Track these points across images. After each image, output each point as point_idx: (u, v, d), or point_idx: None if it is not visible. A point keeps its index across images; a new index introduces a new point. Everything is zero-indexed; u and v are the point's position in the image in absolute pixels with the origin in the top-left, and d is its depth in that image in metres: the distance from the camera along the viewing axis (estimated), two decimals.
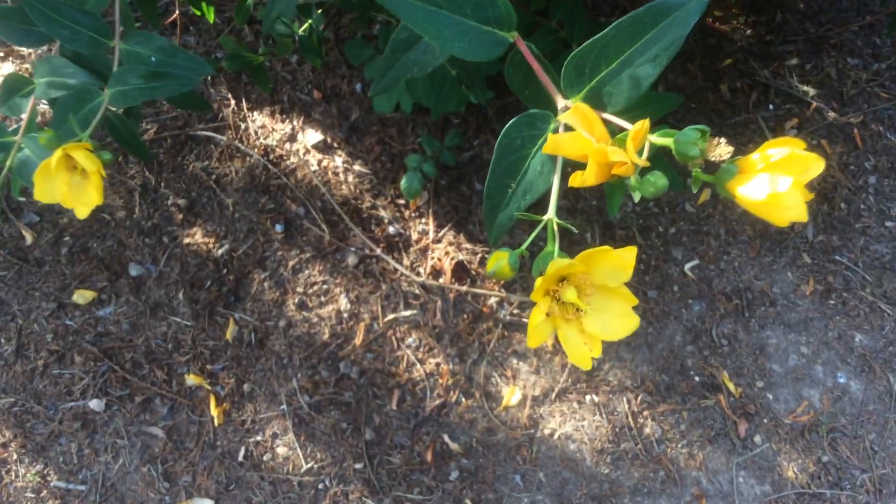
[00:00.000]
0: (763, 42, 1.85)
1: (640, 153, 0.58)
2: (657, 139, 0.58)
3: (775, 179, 0.55)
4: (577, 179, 0.57)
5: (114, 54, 0.91)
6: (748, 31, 1.86)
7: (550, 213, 0.63)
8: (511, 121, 0.63)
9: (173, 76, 0.90)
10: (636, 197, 0.58)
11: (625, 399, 1.59)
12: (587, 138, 0.56)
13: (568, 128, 0.60)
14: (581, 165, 0.57)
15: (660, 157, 1.29)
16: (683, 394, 1.59)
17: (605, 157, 0.56)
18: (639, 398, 1.58)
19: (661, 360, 1.61)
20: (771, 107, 1.79)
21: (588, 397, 1.59)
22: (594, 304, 0.61)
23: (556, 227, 0.63)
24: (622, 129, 0.61)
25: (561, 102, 0.63)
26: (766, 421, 1.58)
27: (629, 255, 0.58)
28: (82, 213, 0.79)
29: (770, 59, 1.83)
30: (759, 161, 0.57)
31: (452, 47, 0.63)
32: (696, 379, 1.60)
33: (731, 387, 1.59)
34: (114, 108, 1.05)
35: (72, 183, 0.79)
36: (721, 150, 0.57)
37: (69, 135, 0.83)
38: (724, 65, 1.82)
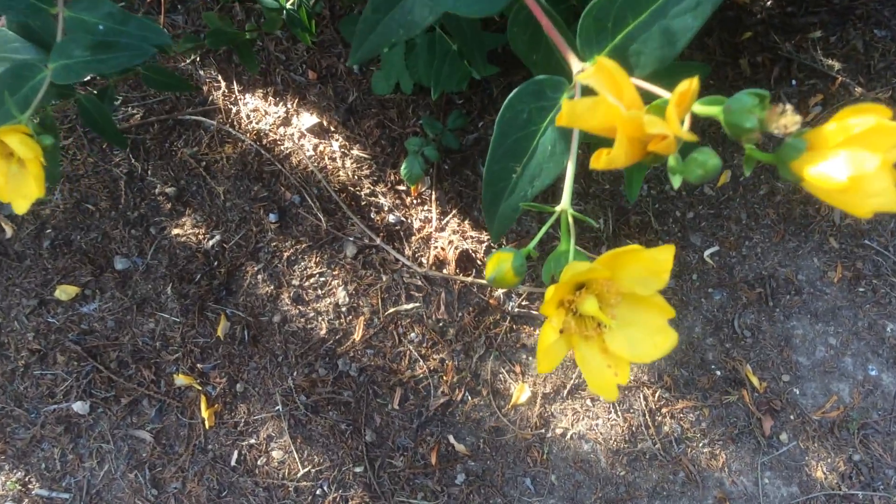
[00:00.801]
0: (785, 14, 1.74)
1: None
2: (701, 108, 0.48)
3: (858, 157, 0.43)
4: (601, 159, 0.46)
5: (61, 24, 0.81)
6: (769, 3, 1.75)
7: (564, 203, 0.53)
8: (515, 90, 0.53)
9: (124, 46, 0.80)
10: (676, 182, 0.48)
11: (641, 395, 1.49)
12: (614, 104, 0.44)
13: (587, 93, 0.50)
14: (604, 142, 0.46)
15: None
16: (704, 389, 1.49)
17: (638, 130, 0.44)
18: (656, 394, 1.49)
19: (679, 353, 1.51)
20: (794, 82, 1.69)
21: None
22: (620, 318, 0.51)
23: (571, 221, 0.53)
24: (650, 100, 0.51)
25: (577, 65, 0.53)
26: (792, 417, 1.48)
27: (665, 255, 0.48)
28: (21, 207, 0.69)
29: (792, 32, 1.73)
30: (836, 133, 0.45)
31: (445, 1, 0.53)
32: (718, 373, 1.50)
33: (755, 381, 1.49)
34: (61, 84, 0.96)
35: (8, 173, 0.69)
36: (786, 119, 0.44)
37: (7, 117, 0.73)
38: (744, 38, 1.71)
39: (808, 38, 1.72)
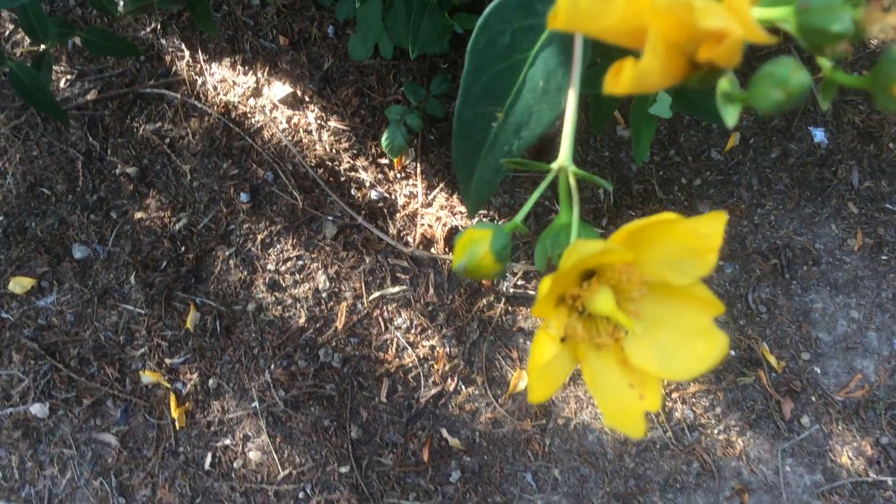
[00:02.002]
0: None
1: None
2: (765, 12, 0.34)
3: None
4: (622, 77, 0.30)
5: None
6: None
7: (563, 159, 0.40)
8: (492, 3, 0.40)
9: None
10: (731, 117, 0.35)
11: None
12: None
13: None
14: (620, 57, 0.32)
15: (708, 92, 1.06)
16: (717, 371, 1.37)
17: (683, 26, 0.29)
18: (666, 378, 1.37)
19: None
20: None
21: None
22: (647, 318, 0.39)
23: (573, 182, 0.40)
24: None
25: None
26: (814, 399, 1.37)
27: (712, 227, 0.36)
28: None
29: None
30: None
31: None
32: (732, 353, 1.38)
33: (773, 361, 1.38)
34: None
35: None
36: (892, 19, 0.31)
37: None
38: None
39: None
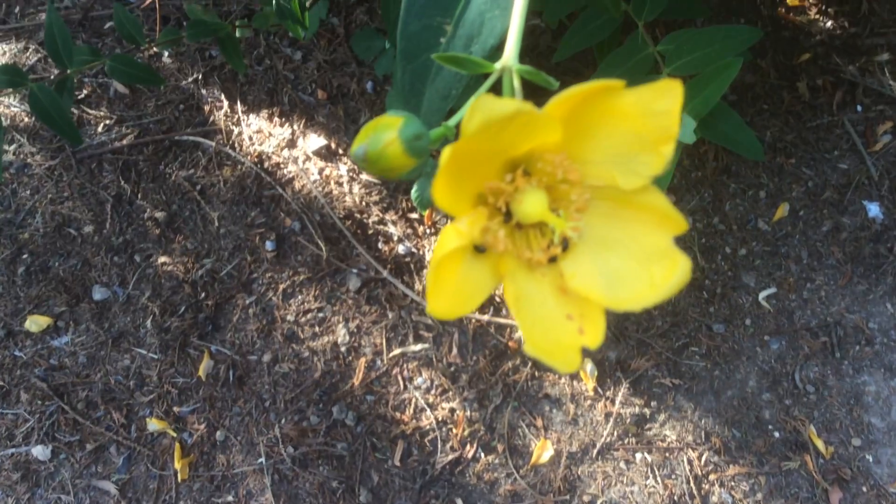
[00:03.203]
0: (847, 35, 1.56)
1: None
2: None
3: None
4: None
5: None
6: (828, 23, 1.57)
7: (507, 58, 0.35)
8: None
9: None
10: None
11: (685, 459, 1.27)
12: None
13: None
14: None
15: (724, 107, 1.00)
16: (760, 453, 1.27)
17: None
18: (703, 458, 1.27)
19: (730, 410, 1.29)
20: (859, 108, 1.49)
21: (639, 455, 1.27)
22: (592, 234, 0.32)
23: (517, 85, 0.35)
24: None
25: None
26: (865, 490, 1.25)
27: (667, 101, 0.29)
28: None
29: (856, 54, 1.54)
30: None
31: None
32: (776, 435, 1.28)
33: (821, 445, 1.27)
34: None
35: None
36: None
37: None
38: (802, 60, 1.53)
39: (874, 61, 1.53)
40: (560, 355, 0.31)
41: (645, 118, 0.30)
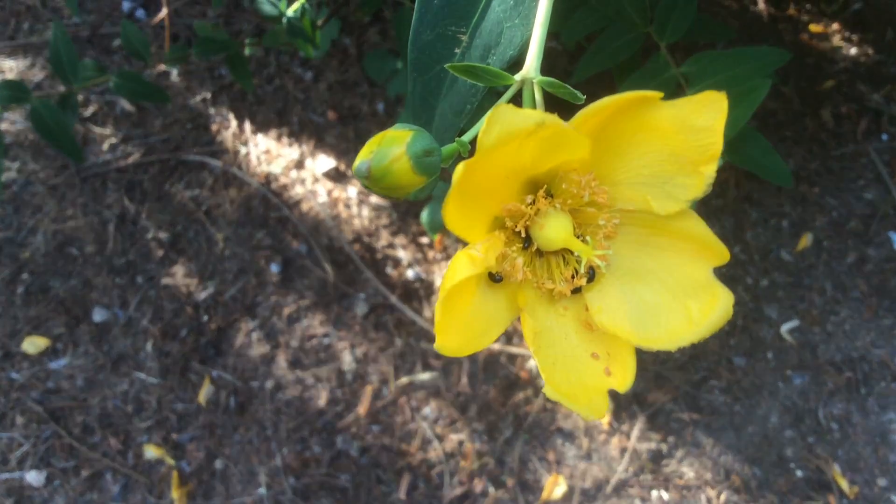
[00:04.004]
0: (872, 62, 1.52)
1: None
2: None
3: None
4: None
5: None
6: (852, 50, 1.53)
7: (529, 69, 0.31)
8: None
9: None
10: None
11: (704, 497, 1.22)
12: None
13: None
14: None
15: (751, 131, 0.95)
16: (781, 493, 1.21)
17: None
18: (722, 496, 1.21)
19: (751, 447, 1.24)
20: (885, 137, 1.45)
21: (655, 493, 1.22)
22: (622, 264, 0.29)
23: (538, 97, 0.31)
24: None
25: None
26: None
27: (710, 116, 0.25)
28: None
29: (881, 82, 1.50)
30: None
31: None
32: (799, 473, 1.22)
33: (844, 485, 1.21)
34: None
35: None
36: None
37: None
38: (826, 87, 1.49)
39: None
40: (584, 399, 0.27)
41: (684, 134, 0.26)
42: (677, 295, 0.28)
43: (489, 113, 0.25)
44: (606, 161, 0.27)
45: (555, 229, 0.27)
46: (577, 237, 0.29)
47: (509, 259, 0.28)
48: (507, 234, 0.28)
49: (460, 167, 0.25)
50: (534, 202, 0.28)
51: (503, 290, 0.28)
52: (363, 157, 0.30)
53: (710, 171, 0.26)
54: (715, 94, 0.25)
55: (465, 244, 0.29)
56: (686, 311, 0.28)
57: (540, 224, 0.28)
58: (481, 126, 0.26)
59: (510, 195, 0.28)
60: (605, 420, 1.25)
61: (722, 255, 0.28)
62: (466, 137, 0.32)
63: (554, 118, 0.25)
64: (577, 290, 0.29)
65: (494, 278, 0.28)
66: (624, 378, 0.28)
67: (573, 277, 0.29)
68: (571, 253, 0.30)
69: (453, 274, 0.26)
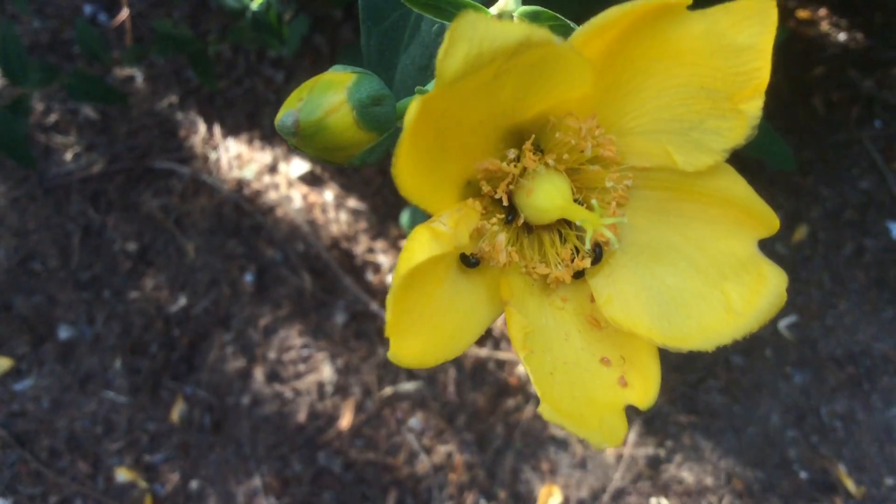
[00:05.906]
0: (862, 47, 1.47)
1: None
2: None
3: None
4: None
5: None
6: (841, 36, 1.48)
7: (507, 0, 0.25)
8: None
9: None
10: None
11: (705, 503, 1.16)
12: None
13: None
14: None
15: (764, 125, 0.90)
16: (786, 496, 1.16)
17: None
18: (724, 502, 1.16)
19: (753, 448, 1.19)
20: (878, 123, 1.40)
21: (654, 500, 1.17)
22: (637, 237, 0.22)
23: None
24: None
25: None
26: None
27: (756, 31, 0.19)
28: None
29: (872, 67, 1.45)
30: None
31: None
32: (803, 475, 1.17)
33: (850, 485, 1.16)
34: None
35: None
36: None
37: None
38: (816, 74, 1.44)
39: (891, 75, 1.45)
40: (594, 420, 0.20)
41: (719, 58, 0.20)
42: (711, 277, 0.22)
43: (451, 25, 0.18)
44: (614, 101, 0.21)
45: (547, 194, 0.20)
46: (578, 203, 0.22)
47: (488, 236, 0.21)
48: (483, 202, 0.21)
49: (414, 104, 0.18)
50: (518, 159, 0.21)
51: (481, 277, 0.21)
52: (288, 108, 0.23)
53: (753, 109, 0.20)
54: (761, 1, 0.19)
55: (427, 217, 0.22)
56: (724, 298, 0.22)
57: (527, 188, 0.21)
58: (441, 47, 0.19)
59: (486, 149, 0.21)
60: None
61: (770, 223, 0.21)
62: (431, 85, 0.25)
63: (544, 33, 0.18)
64: (579, 275, 0.22)
65: (469, 261, 0.21)
66: (646, 390, 0.21)
67: (573, 259, 0.22)
68: (570, 226, 0.22)
69: (410, 255, 0.19)
